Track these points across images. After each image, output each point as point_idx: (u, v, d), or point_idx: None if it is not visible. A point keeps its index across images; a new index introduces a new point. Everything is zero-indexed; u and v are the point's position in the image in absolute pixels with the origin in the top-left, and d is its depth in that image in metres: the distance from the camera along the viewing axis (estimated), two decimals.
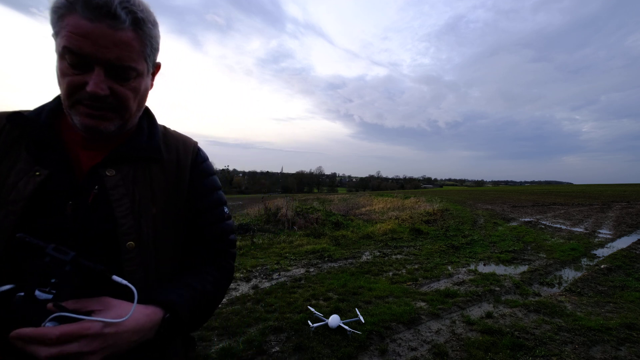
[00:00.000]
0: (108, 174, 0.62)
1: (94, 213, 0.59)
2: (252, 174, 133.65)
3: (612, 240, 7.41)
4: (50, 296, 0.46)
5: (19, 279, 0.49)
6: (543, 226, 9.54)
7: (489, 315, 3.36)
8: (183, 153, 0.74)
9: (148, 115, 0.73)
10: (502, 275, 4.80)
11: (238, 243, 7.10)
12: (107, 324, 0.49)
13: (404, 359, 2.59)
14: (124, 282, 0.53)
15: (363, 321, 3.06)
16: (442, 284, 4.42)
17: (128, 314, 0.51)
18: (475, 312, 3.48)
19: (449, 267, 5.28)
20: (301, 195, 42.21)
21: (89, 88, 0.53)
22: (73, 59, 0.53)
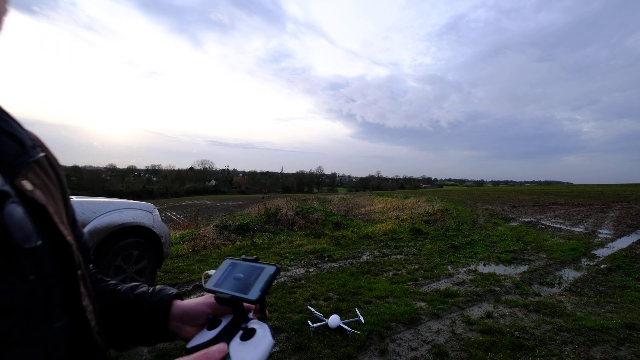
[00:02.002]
0: (28, 187, 0.41)
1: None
2: (252, 174, 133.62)
3: (612, 240, 7.41)
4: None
5: None
6: (543, 226, 9.54)
7: (489, 315, 3.36)
8: (43, 144, 0.52)
9: None
10: (502, 275, 4.80)
11: (238, 243, 7.11)
12: None
13: (404, 359, 2.59)
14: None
15: (363, 321, 3.07)
16: (442, 284, 4.42)
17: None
18: (475, 312, 3.48)
19: (449, 267, 5.28)
20: (301, 195, 42.22)
21: None
22: None
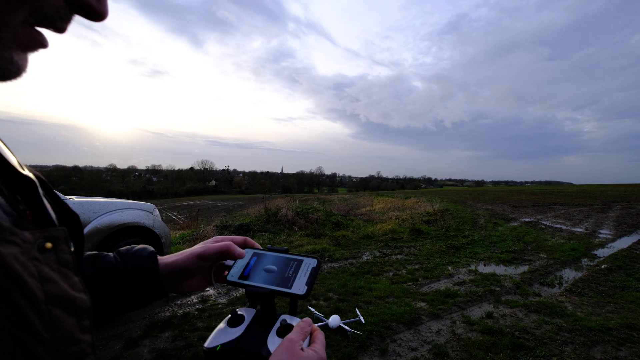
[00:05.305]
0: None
1: None
2: (253, 174, 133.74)
3: (613, 240, 7.41)
4: None
5: None
6: (543, 226, 9.53)
7: (489, 315, 3.35)
8: None
9: None
10: (502, 275, 4.80)
11: None
12: None
13: (404, 359, 2.59)
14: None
15: (363, 321, 3.06)
16: (443, 284, 4.41)
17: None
18: (476, 312, 3.48)
19: (449, 267, 5.28)
20: (301, 195, 42.20)
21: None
22: None
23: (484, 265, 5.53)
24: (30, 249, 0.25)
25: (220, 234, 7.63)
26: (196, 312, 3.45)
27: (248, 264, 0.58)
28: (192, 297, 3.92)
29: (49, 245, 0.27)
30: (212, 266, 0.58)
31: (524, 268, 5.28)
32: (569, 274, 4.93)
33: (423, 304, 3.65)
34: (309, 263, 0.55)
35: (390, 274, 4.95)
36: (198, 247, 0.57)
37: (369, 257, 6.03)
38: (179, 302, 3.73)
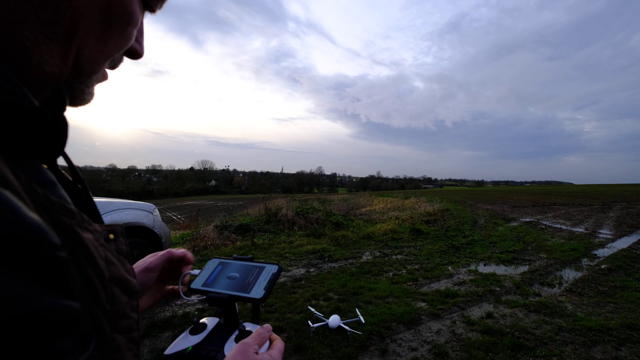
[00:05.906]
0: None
1: None
2: (253, 174, 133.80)
3: (613, 240, 7.41)
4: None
5: None
6: (543, 226, 9.53)
7: (489, 315, 3.36)
8: None
9: None
10: (502, 275, 4.80)
11: (239, 243, 7.11)
12: None
13: (404, 359, 2.59)
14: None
15: (363, 321, 3.07)
16: (443, 284, 4.41)
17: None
18: (476, 312, 3.48)
19: (449, 268, 5.28)
20: (301, 195, 42.18)
21: (140, 48, 0.41)
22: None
23: (484, 265, 5.53)
24: (99, 237, 0.32)
25: (221, 234, 7.63)
26: (196, 312, 3.46)
27: (213, 272, 0.61)
28: (193, 297, 3.92)
29: (111, 236, 0.34)
30: (165, 278, 0.59)
31: (524, 268, 5.28)
32: (569, 274, 4.93)
33: (423, 304, 3.65)
34: (270, 269, 0.58)
35: (390, 274, 4.96)
36: (140, 262, 0.59)
37: (369, 257, 6.03)
38: (179, 302, 3.73)
